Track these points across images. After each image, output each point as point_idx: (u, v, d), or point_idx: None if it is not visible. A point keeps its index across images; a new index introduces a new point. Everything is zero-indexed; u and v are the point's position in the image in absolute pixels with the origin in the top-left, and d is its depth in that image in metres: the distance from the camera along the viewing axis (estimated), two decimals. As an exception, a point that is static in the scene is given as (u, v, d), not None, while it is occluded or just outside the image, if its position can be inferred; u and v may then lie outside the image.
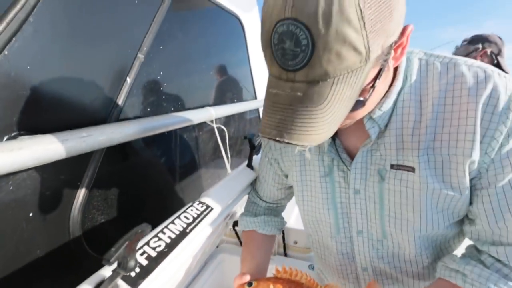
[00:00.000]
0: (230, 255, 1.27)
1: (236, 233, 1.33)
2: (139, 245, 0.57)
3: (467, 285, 0.54)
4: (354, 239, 0.68)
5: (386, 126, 0.56)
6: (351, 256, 0.72)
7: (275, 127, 0.41)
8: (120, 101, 0.75)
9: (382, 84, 0.49)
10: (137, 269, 0.53)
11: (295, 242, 1.27)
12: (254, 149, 0.99)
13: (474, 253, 0.58)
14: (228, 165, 1.15)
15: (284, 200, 0.89)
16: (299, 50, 0.37)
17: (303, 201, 0.74)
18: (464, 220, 0.60)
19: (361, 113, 0.50)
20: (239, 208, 1.08)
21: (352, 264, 0.73)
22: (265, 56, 0.42)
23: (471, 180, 0.53)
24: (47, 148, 0.51)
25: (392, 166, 0.57)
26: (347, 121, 0.50)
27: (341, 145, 0.63)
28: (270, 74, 0.44)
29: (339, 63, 0.37)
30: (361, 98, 0.44)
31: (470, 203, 0.55)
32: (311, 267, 1.17)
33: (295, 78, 0.40)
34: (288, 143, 0.41)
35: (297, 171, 0.71)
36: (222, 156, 1.13)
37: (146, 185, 0.89)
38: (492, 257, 0.54)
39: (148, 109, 0.86)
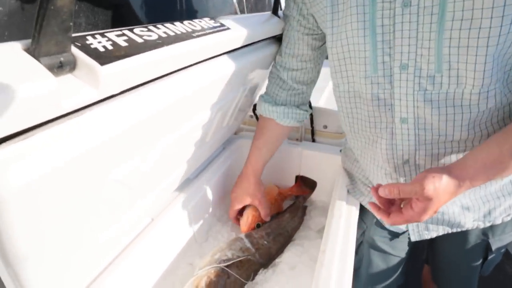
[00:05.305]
0: (249, 140, 1.13)
1: (257, 118, 1.17)
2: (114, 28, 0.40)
3: None
4: (396, 77, 0.53)
5: None
6: (389, 103, 0.56)
7: None
8: None
9: None
10: (109, 46, 0.36)
11: (325, 127, 1.10)
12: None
13: None
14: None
15: (311, 63, 0.74)
16: None
17: (332, 35, 0.59)
18: None
19: None
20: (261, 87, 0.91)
21: (389, 114, 0.58)
22: None
23: None
24: None
25: None
26: None
27: None
28: None
29: None
30: None
31: None
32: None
33: None
34: None
35: None
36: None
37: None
38: None
39: None
